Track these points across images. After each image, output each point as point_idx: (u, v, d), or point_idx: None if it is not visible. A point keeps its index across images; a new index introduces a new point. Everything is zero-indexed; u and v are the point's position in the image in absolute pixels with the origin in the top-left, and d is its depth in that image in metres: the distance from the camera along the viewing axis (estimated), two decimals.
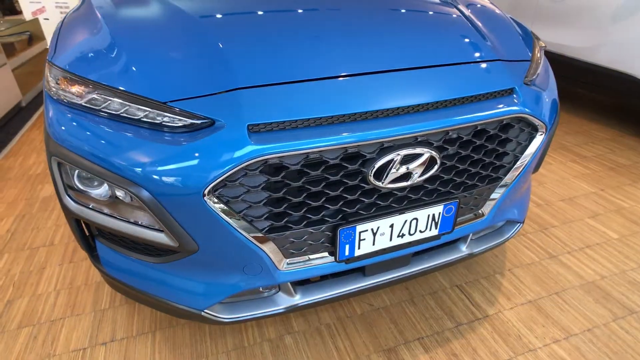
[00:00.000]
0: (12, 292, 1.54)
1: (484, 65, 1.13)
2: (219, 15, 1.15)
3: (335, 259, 1.04)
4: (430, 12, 1.33)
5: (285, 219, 0.96)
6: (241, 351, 1.28)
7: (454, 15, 1.31)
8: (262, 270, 1.01)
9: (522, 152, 1.17)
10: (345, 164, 0.94)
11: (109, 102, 0.92)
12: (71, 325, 1.38)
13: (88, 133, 0.92)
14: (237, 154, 0.84)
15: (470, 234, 1.32)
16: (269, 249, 0.97)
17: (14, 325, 1.39)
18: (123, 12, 1.21)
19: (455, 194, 1.12)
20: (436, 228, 1.13)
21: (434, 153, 1.00)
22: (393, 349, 1.30)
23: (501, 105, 1.06)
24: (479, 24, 1.28)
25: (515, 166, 1.18)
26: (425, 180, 1.06)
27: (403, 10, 1.30)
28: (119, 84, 0.93)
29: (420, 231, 1.11)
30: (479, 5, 1.45)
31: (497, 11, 1.45)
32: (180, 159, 0.85)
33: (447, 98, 1.02)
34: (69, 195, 1.01)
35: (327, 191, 0.95)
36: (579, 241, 1.79)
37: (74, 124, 0.95)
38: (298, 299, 1.12)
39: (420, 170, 1.00)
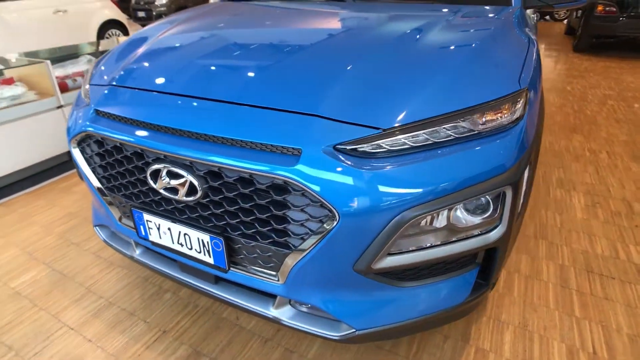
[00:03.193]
0: None
1: (298, 117, 1.02)
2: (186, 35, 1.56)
3: (137, 234, 1.33)
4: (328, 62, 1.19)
5: (109, 184, 1.34)
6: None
7: (344, 68, 1.14)
8: (110, 218, 1.44)
9: (313, 230, 1.00)
10: (133, 158, 1.21)
11: None
12: None
13: None
14: (84, 124, 1.29)
15: (290, 301, 1.21)
16: (107, 201, 1.39)
17: None
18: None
19: (219, 231, 1.12)
20: (210, 257, 1.18)
21: (193, 180, 1.09)
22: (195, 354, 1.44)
23: (275, 164, 0.97)
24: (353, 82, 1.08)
25: (306, 243, 1.01)
26: (198, 205, 1.14)
27: (312, 56, 1.26)
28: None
29: (196, 250, 1.20)
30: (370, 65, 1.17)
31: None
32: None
33: (242, 138, 1.03)
34: None
35: (125, 174, 1.26)
36: None
37: None
38: (137, 254, 1.47)
39: (182, 190, 1.12)
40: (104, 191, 1.37)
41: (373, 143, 0.97)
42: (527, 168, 1.14)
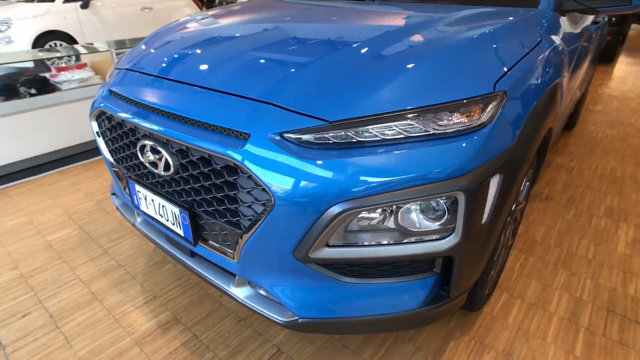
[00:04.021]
0: None
1: (254, 104, 1.09)
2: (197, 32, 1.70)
3: (132, 202, 1.49)
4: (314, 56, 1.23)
5: (115, 157, 1.51)
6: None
7: (308, 59, 1.18)
8: (118, 188, 1.63)
9: (257, 212, 1.06)
10: (129, 133, 1.36)
11: None
12: None
13: None
14: (99, 101, 1.49)
15: (250, 282, 1.27)
16: (115, 172, 1.57)
17: None
18: None
19: (186, 206, 1.22)
20: (180, 229, 1.29)
21: (168, 157, 1.20)
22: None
23: (227, 147, 1.04)
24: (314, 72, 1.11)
25: (252, 224, 1.08)
26: (172, 180, 1.26)
27: (297, 48, 1.31)
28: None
29: (171, 222, 1.32)
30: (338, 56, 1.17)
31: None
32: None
33: (220, 124, 1.10)
34: None
35: (124, 148, 1.42)
36: None
37: None
38: (137, 222, 1.64)
39: (160, 165, 1.24)
40: (113, 163, 1.55)
41: (317, 134, 0.99)
42: (500, 177, 1.07)
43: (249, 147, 1.02)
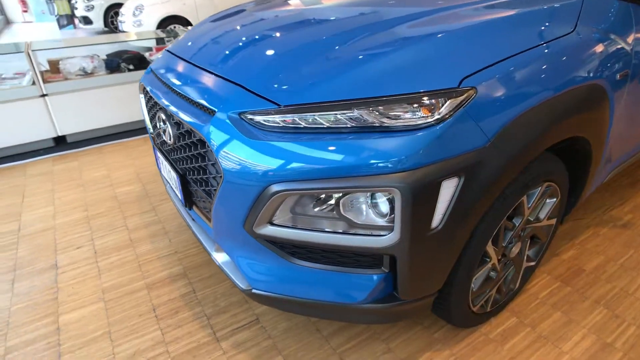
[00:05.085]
0: None
1: (228, 84, 1.19)
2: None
3: (157, 166, 1.73)
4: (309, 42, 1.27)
5: (149, 126, 1.77)
6: None
7: None
8: (155, 154, 1.90)
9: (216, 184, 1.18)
10: (155, 107, 1.59)
11: None
12: None
13: None
14: (143, 77, 1.75)
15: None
16: (151, 139, 1.84)
17: None
18: None
19: (180, 172, 1.39)
20: (179, 192, 1.48)
21: (169, 127, 1.39)
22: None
23: (199, 121, 1.18)
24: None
25: (214, 193, 1.20)
26: (173, 148, 1.44)
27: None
28: None
29: (175, 186, 1.52)
30: None
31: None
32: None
33: (199, 100, 1.26)
34: None
35: (151, 119, 1.66)
36: None
37: None
38: (167, 187, 1.89)
39: (167, 134, 1.43)
40: (150, 131, 1.83)
41: (268, 116, 1.06)
42: (458, 181, 1.00)
43: (212, 122, 1.13)
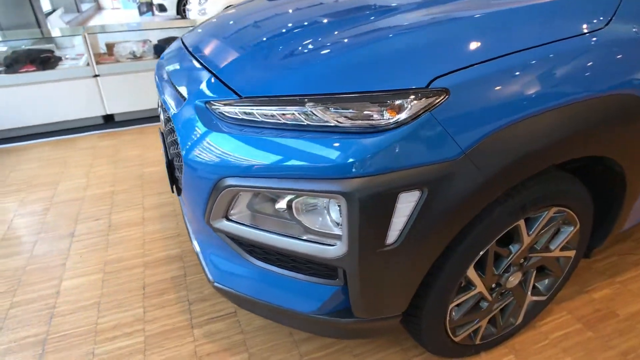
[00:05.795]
0: None
1: (204, 73, 1.18)
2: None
3: None
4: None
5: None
6: None
7: None
8: None
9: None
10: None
11: None
12: None
13: None
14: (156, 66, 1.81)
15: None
16: None
17: None
18: None
19: (169, 157, 1.41)
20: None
21: (161, 115, 1.42)
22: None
23: (174, 107, 1.19)
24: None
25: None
26: (165, 134, 1.47)
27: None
28: None
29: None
30: None
31: None
32: None
33: (178, 86, 1.28)
34: None
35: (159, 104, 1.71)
36: None
37: None
38: None
39: (162, 122, 1.47)
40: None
41: (230, 107, 1.02)
42: (420, 195, 0.89)
43: (182, 109, 1.13)
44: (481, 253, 1.08)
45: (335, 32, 1.11)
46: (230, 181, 0.98)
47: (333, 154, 0.88)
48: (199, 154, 1.03)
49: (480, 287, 1.18)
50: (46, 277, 1.77)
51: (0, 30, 5.40)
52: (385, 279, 0.99)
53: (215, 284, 1.23)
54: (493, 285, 1.25)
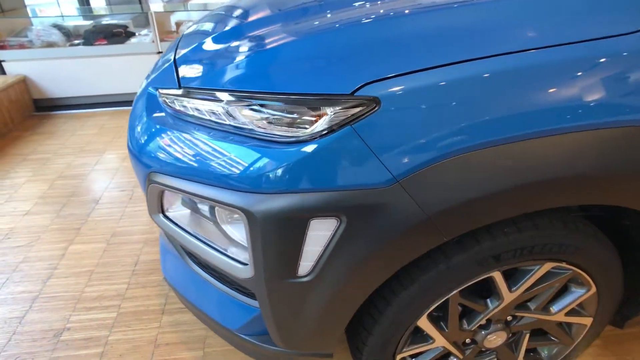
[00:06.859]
0: None
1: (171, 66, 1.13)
2: None
3: None
4: None
5: None
6: None
7: None
8: None
9: None
10: None
11: None
12: None
13: None
14: None
15: None
16: None
17: None
18: None
19: None
20: None
21: None
22: None
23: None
24: None
25: None
26: None
27: None
28: None
29: None
30: None
31: None
32: None
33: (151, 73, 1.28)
34: None
35: None
36: None
37: None
38: None
39: None
40: None
41: (169, 97, 0.96)
42: (339, 224, 0.74)
43: (142, 92, 1.09)
44: (437, 303, 0.89)
45: (275, 26, 0.98)
46: (155, 177, 0.92)
47: (242, 162, 0.76)
48: (137, 143, 0.99)
49: (441, 342, 0.98)
50: (61, 238, 1.93)
51: (108, 5, 6.07)
52: (305, 312, 0.86)
53: (165, 278, 1.21)
54: (467, 341, 1.04)
